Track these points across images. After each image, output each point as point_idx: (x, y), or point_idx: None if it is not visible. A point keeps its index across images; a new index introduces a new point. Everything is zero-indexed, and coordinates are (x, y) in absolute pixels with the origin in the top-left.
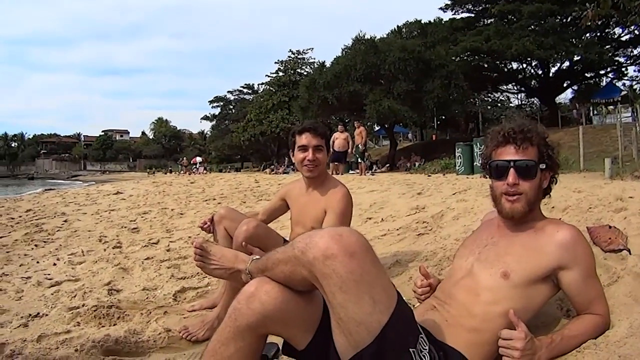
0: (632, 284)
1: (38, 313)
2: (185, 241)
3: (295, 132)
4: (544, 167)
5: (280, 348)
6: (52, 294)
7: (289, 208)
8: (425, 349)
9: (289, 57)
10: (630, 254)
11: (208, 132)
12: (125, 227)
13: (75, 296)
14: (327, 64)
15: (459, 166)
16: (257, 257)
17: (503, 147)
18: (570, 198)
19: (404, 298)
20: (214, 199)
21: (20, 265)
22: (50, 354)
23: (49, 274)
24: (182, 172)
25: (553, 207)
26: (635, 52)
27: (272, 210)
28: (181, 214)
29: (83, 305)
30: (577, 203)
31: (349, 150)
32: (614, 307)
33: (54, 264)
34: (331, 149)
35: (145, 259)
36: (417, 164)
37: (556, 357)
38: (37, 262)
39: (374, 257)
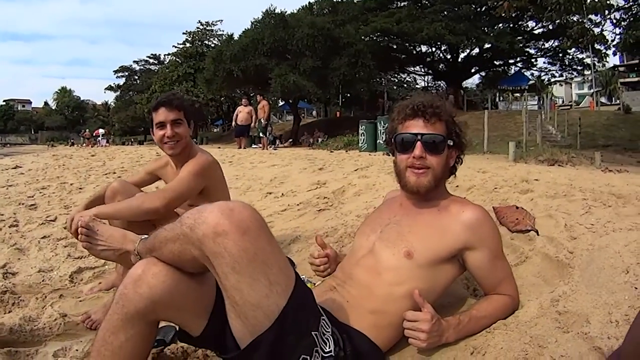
0: (540, 264)
1: None
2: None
3: (152, 108)
4: (452, 144)
5: (177, 333)
6: None
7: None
8: (328, 332)
9: (198, 28)
10: (538, 234)
11: (112, 103)
12: (22, 204)
13: None
14: (236, 37)
15: (362, 143)
16: (146, 236)
17: (411, 120)
18: (475, 178)
19: (305, 277)
20: (114, 173)
21: None
22: None
23: None
24: (84, 144)
25: (457, 186)
26: (547, 45)
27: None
28: (80, 188)
29: None
30: (482, 183)
31: (252, 125)
32: (523, 288)
33: None
34: (233, 123)
35: (42, 238)
36: (320, 139)
37: (464, 337)
38: None
39: (268, 234)
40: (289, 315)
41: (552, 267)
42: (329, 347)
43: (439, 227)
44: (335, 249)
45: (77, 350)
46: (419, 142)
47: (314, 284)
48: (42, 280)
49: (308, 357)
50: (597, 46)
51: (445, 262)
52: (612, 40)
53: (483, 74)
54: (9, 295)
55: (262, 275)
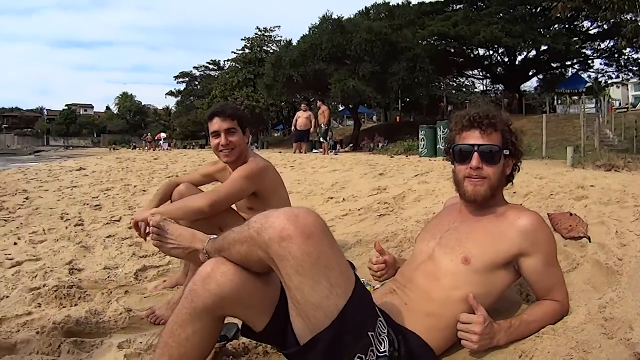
0: (591, 271)
1: None
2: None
3: (206, 117)
4: (508, 153)
5: (239, 330)
6: (12, 275)
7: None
8: (384, 333)
9: (256, 34)
10: (590, 242)
11: (173, 108)
12: (87, 205)
13: (36, 277)
14: (294, 43)
15: (422, 148)
16: (215, 236)
17: (468, 132)
18: (532, 184)
19: (365, 280)
20: (177, 176)
21: None
22: (12, 337)
23: (9, 254)
24: (146, 148)
25: (515, 193)
26: (602, 45)
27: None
28: (144, 191)
29: (44, 286)
30: (538, 189)
31: (312, 130)
32: (573, 294)
33: (15, 244)
34: (293, 128)
35: (107, 237)
36: (380, 145)
37: (515, 341)
38: None
39: (331, 239)
40: (348, 316)
41: (601, 274)
42: (384, 348)
43: (496, 233)
44: (394, 255)
45: (141, 342)
46: (476, 153)
47: (374, 287)
48: (108, 277)
49: (363, 357)
50: None
51: (501, 268)
52: None
53: (541, 77)
54: (76, 290)
55: (323, 277)
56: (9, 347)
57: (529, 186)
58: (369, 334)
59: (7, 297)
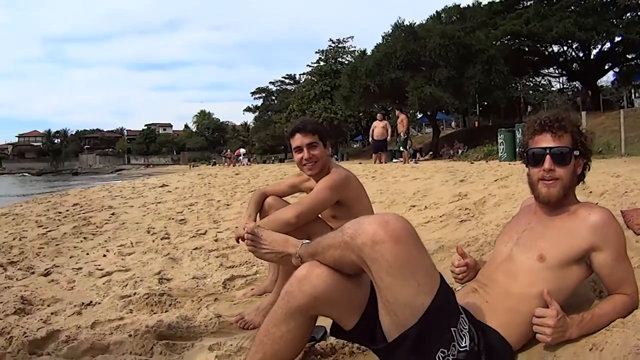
0: None
1: (91, 302)
2: (232, 231)
3: (288, 134)
4: (578, 153)
5: (328, 331)
6: (103, 284)
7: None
8: (466, 329)
9: (330, 46)
10: None
11: (251, 124)
12: (172, 219)
13: (126, 285)
14: (368, 52)
15: (501, 152)
16: (307, 241)
17: (539, 135)
18: (608, 183)
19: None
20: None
21: (70, 257)
22: (105, 339)
23: (99, 265)
24: (226, 163)
25: (591, 192)
26: None
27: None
28: (227, 204)
29: (135, 294)
30: (614, 187)
31: (388, 138)
32: None
33: (104, 255)
34: (370, 138)
35: (194, 249)
36: (460, 151)
37: (586, 334)
38: (87, 254)
39: (418, 242)
40: (433, 313)
41: None
42: (465, 342)
43: (568, 230)
44: (475, 258)
45: (231, 345)
46: (547, 156)
47: (456, 289)
48: (197, 286)
49: (446, 351)
50: None
51: (574, 263)
52: None
53: (617, 70)
54: (166, 297)
55: (412, 277)
56: (102, 347)
57: (604, 185)
58: (452, 329)
59: (99, 303)
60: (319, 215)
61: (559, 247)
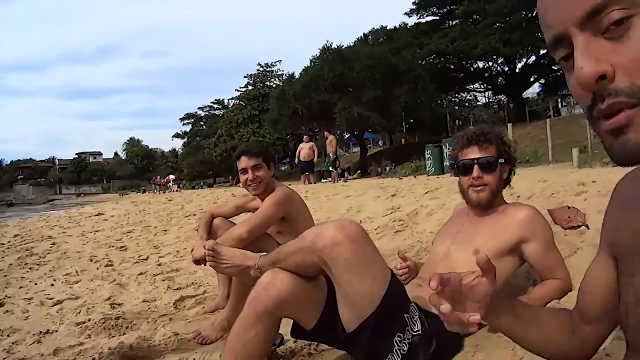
0: (591, 253)
1: (48, 330)
2: (174, 256)
3: (234, 157)
4: (503, 161)
5: (284, 337)
6: (57, 312)
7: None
8: (416, 316)
9: (258, 70)
10: (588, 229)
11: (180, 150)
12: (113, 247)
13: (79, 312)
14: (297, 75)
15: (429, 167)
16: (265, 254)
17: (467, 149)
18: (536, 187)
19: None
20: (195, 215)
21: (20, 288)
22: None
23: (49, 294)
24: (157, 191)
25: (519, 197)
26: None
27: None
28: (165, 230)
29: (90, 320)
30: (541, 191)
31: (315, 159)
32: (576, 274)
33: (52, 285)
34: (296, 160)
35: (139, 275)
36: (388, 168)
37: None
38: (35, 284)
39: (371, 242)
40: (388, 302)
41: None
42: (417, 327)
43: (498, 227)
44: (414, 261)
45: (194, 359)
46: (476, 166)
47: None
48: (149, 309)
49: (402, 335)
50: None
51: (507, 255)
52: None
53: (543, 81)
54: (122, 321)
55: (368, 272)
56: None
57: (532, 189)
58: (405, 315)
59: (57, 331)
60: (267, 232)
61: (491, 241)
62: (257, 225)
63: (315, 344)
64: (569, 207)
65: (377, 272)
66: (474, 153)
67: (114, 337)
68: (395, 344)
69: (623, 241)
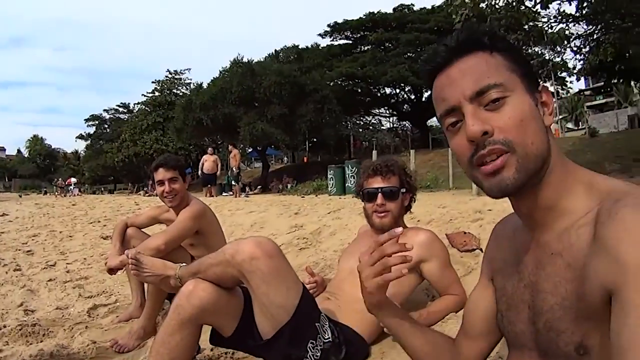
0: None
1: None
2: (82, 262)
3: (151, 169)
4: (404, 190)
5: (200, 346)
6: None
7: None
8: (326, 324)
9: (166, 77)
10: (482, 252)
11: (82, 152)
12: (19, 250)
13: None
14: (204, 86)
15: (331, 187)
16: (184, 264)
17: (372, 178)
18: (435, 212)
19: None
20: (99, 222)
21: None
22: None
23: None
24: (57, 193)
25: (418, 221)
26: None
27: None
28: (70, 236)
29: (5, 326)
30: (440, 216)
31: (218, 172)
32: (470, 291)
33: None
34: (199, 171)
35: (49, 281)
36: (289, 185)
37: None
38: None
39: (284, 258)
40: (301, 311)
41: None
42: (328, 335)
43: None
44: (321, 276)
45: None
46: (379, 194)
47: None
48: (62, 316)
49: (314, 341)
50: (561, 74)
51: (407, 273)
52: (574, 68)
53: None
54: (39, 327)
55: (283, 284)
56: None
57: (431, 215)
58: (316, 324)
59: None
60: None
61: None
62: (174, 237)
63: (232, 351)
64: (465, 232)
65: (291, 284)
66: (377, 182)
67: (31, 344)
68: (309, 350)
69: (497, 265)
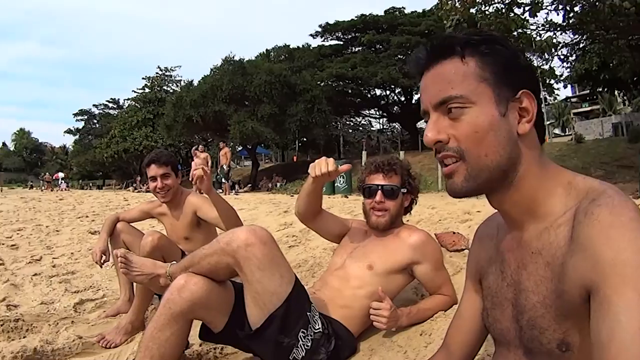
0: None
1: None
2: (69, 257)
3: (144, 165)
4: (405, 191)
5: (189, 342)
6: None
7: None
8: (317, 315)
9: (157, 73)
10: None
11: (70, 147)
12: (3, 244)
13: None
14: (195, 83)
15: None
16: (174, 262)
17: (374, 175)
18: (424, 213)
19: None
20: (87, 217)
21: None
22: None
23: None
24: (43, 187)
25: (408, 220)
26: None
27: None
28: (57, 230)
29: None
30: (429, 217)
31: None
32: (459, 290)
33: None
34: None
35: (34, 275)
36: (278, 184)
37: (415, 324)
38: None
39: (278, 246)
40: (293, 299)
41: None
42: (318, 326)
43: (392, 248)
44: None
45: None
46: (379, 191)
47: None
48: (47, 311)
49: (305, 331)
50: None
51: (398, 272)
52: (561, 75)
53: None
54: (22, 323)
55: (277, 271)
56: None
57: (420, 215)
58: (307, 313)
59: None
60: (172, 239)
61: (384, 259)
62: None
63: (221, 347)
64: (454, 233)
65: (284, 272)
66: (378, 179)
67: (13, 340)
68: (300, 339)
69: (481, 265)
